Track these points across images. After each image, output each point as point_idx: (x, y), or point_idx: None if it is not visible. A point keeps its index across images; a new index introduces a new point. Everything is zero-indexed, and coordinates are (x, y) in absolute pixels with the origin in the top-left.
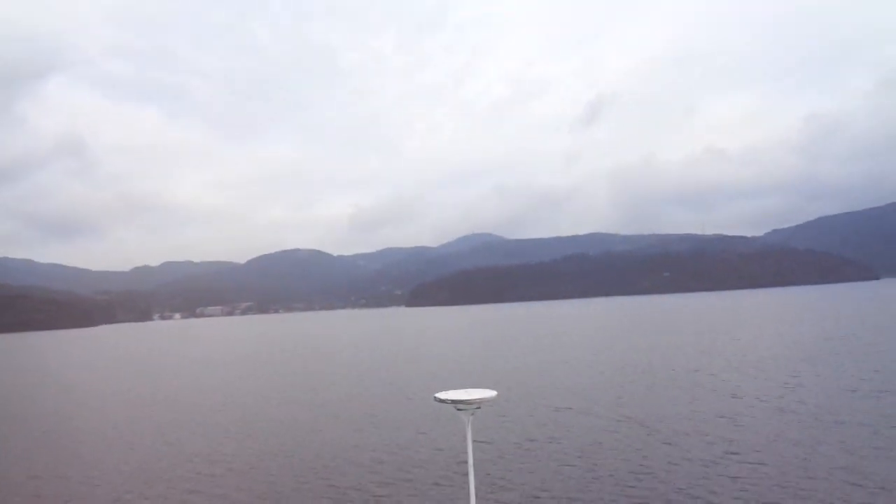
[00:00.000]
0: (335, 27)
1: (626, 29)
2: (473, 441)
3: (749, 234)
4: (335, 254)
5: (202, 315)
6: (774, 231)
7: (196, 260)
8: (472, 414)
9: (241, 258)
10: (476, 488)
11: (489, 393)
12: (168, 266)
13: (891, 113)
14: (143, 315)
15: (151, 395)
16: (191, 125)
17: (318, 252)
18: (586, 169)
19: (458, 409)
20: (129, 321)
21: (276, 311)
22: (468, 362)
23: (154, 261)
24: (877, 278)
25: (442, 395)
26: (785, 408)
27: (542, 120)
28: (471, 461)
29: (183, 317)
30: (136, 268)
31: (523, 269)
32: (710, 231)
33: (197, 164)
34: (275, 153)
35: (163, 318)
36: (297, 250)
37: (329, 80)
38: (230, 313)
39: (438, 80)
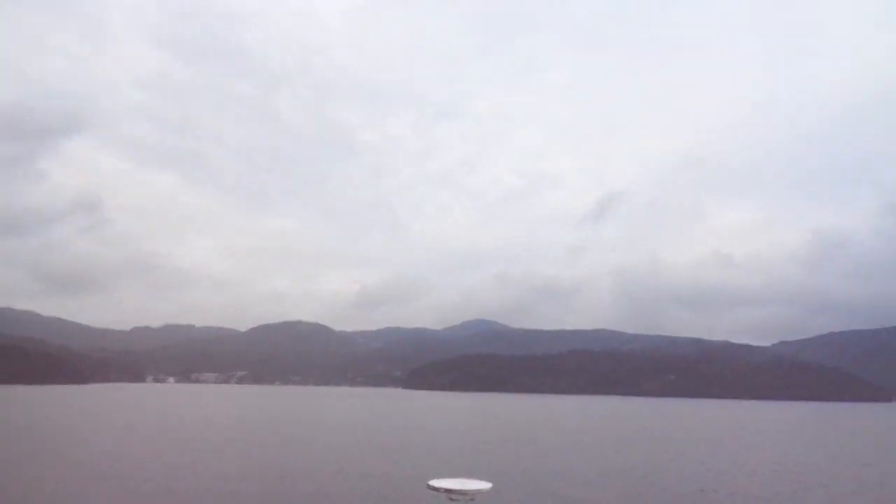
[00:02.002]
0: (356, 107)
1: (639, 129)
2: None
3: (754, 342)
4: (336, 328)
5: (196, 380)
6: (782, 342)
7: (197, 325)
8: None
9: (243, 326)
10: None
11: (484, 485)
12: (168, 328)
13: (893, 235)
14: (137, 376)
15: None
16: (205, 192)
17: (320, 325)
18: (592, 264)
19: (451, 500)
20: (123, 381)
21: (272, 383)
22: (464, 451)
23: (155, 322)
24: (889, 400)
25: (435, 482)
26: None
27: (549, 212)
28: None
29: (177, 381)
30: (137, 328)
31: (527, 360)
32: (716, 336)
33: (207, 230)
34: (284, 225)
35: (157, 380)
36: (298, 322)
37: (344, 158)
38: (225, 381)
39: (451, 165)
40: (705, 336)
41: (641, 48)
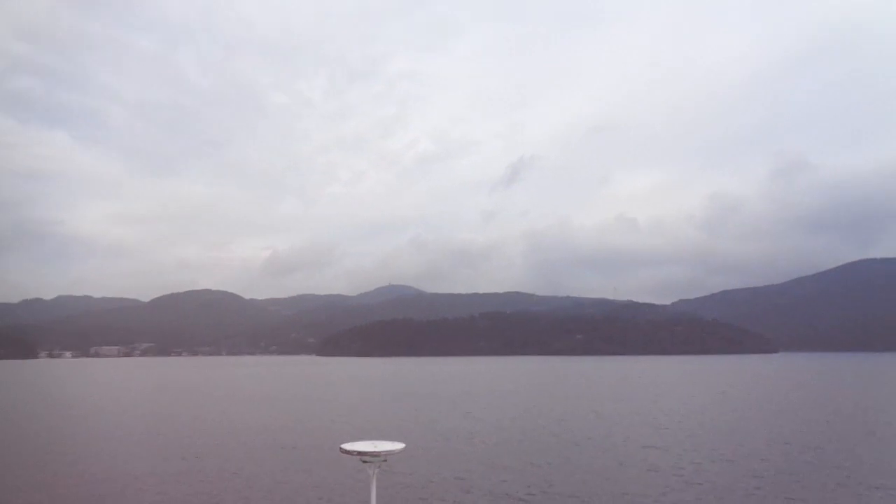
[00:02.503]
0: (265, 67)
1: (551, 96)
2: (378, 495)
3: (657, 301)
4: (246, 297)
5: (97, 355)
6: (682, 300)
7: (95, 295)
8: (378, 467)
9: (146, 296)
10: None
11: (396, 445)
12: (63, 300)
13: (785, 199)
14: (27, 352)
15: None
16: (101, 153)
17: (229, 294)
18: (504, 229)
19: (364, 462)
20: (11, 358)
21: (180, 354)
22: (378, 415)
23: (47, 294)
24: (776, 351)
25: (348, 446)
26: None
27: (463, 178)
28: None
29: (74, 356)
30: (26, 300)
31: (440, 324)
32: (621, 297)
33: (105, 195)
34: (190, 190)
35: (51, 356)
36: (205, 291)
37: (252, 120)
38: (128, 354)
39: (364, 129)
40: (611, 297)
41: (554, 16)
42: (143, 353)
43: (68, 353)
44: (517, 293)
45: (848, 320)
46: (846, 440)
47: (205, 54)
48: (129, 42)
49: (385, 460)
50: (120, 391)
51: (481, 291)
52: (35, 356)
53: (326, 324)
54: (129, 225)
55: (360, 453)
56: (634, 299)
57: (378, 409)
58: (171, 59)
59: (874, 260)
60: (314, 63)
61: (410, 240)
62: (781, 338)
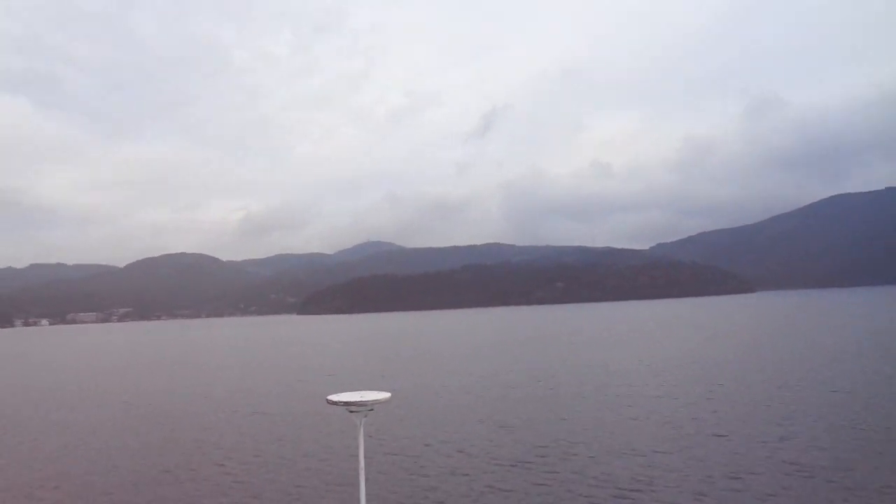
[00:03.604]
0: (225, 23)
1: (519, 42)
2: (366, 444)
3: (635, 246)
4: (224, 259)
5: (74, 321)
6: (659, 245)
7: (69, 262)
8: (365, 416)
9: (121, 262)
10: (367, 492)
11: (382, 395)
12: (36, 268)
13: (757, 138)
14: (3, 320)
15: None
16: (64, 118)
17: (205, 257)
18: (479, 180)
19: (351, 412)
20: None
21: (159, 318)
22: (362, 368)
23: (20, 263)
24: (753, 291)
25: (334, 397)
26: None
27: (435, 130)
28: (362, 464)
29: (51, 323)
30: None
31: (421, 278)
32: (599, 243)
33: (70, 161)
34: (156, 152)
35: (27, 324)
36: (182, 254)
37: (217, 79)
38: (106, 320)
39: (332, 85)
40: (589, 244)
41: None
42: (122, 319)
43: (45, 321)
44: (496, 244)
45: (823, 257)
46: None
47: (161, 12)
48: (80, 3)
49: (372, 409)
50: (97, 357)
51: (460, 244)
52: (11, 324)
53: (306, 283)
54: (96, 190)
55: (346, 403)
56: (612, 245)
57: (362, 363)
58: (127, 18)
59: (848, 195)
60: (277, 17)
61: (385, 195)
62: (758, 277)
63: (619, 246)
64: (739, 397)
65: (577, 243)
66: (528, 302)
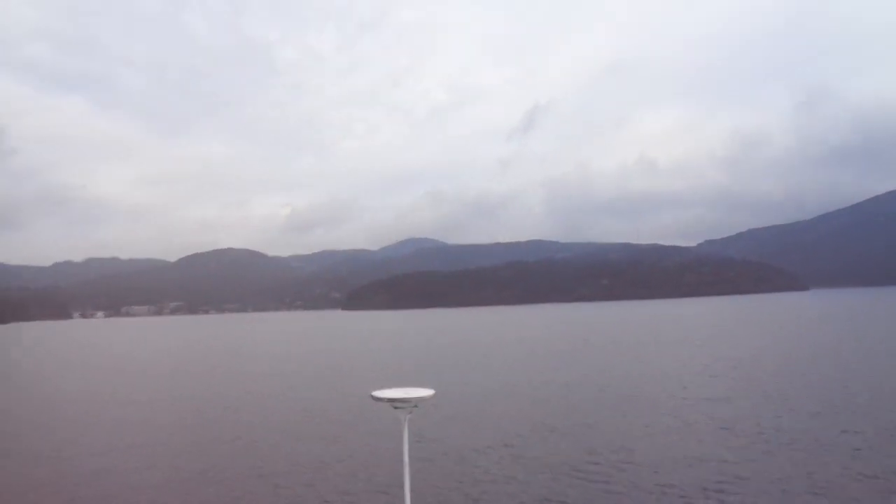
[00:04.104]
0: (273, 22)
1: (564, 38)
2: (410, 441)
3: (682, 243)
4: (269, 254)
5: (127, 314)
6: (708, 241)
7: (123, 257)
8: (410, 413)
9: (171, 256)
10: (411, 488)
11: (426, 392)
12: (92, 262)
13: (807, 132)
14: (61, 313)
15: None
16: (118, 117)
17: (252, 252)
18: (523, 176)
19: (395, 408)
20: (46, 319)
21: (207, 312)
22: (407, 365)
23: (77, 256)
24: (806, 289)
25: (378, 393)
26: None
27: (479, 127)
28: (406, 460)
29: (106, 315)
30: (58, 263)
31: (464, 275)
32: (644, 240)
33: (124, 158)
34: (206, 149)
35: (84, 316)
36: (229, 249)
37: (264, 77)
38: (158, 313)
39: (377, 81)
40: (634, 240)
41: None
42: (173, 312)
43: (100, 314)
44: (539, 241)
45: (877, 254)
46: None
47: (211, 12)
48: (137, 4)
49: (416, 406)
50: (155, 350)
51: (502, 241)
52: (69, 317)
53: (350, 278)
54: (148, 186)
55: (390, 400)
56: (658, 242)
57: (407, 359)
58: (179, 18)
59: None
60: (322, 16)
61: (428, 192)
62: (810, 274)
63: (665, 243)
64: (804, 402)
65: (622, 240)
66: (572, 299)
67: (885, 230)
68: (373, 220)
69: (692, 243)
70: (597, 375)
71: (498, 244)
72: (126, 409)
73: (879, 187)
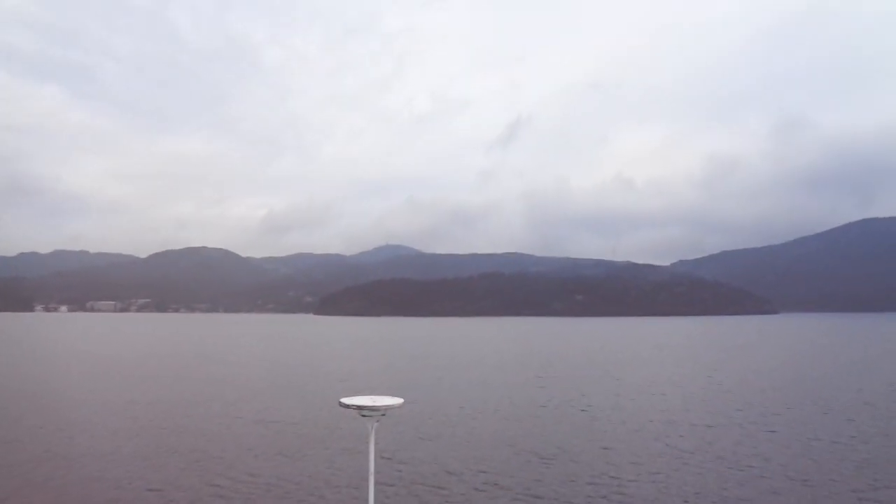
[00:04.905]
0: (260, 21)
1: (548, 53)
2: (376, 451)
3: (655, 262)
4: (243, 255)
5: (92, 309)
6: (681, 261)
7: (92, 251)
8: (378, 421)
9: (142, 252)
10: (375, 496)
11: (395, 400)
12: (59, 254)
13: (780, 158)
14: (24, 305)
15: None
16: (95, 109)
17: (225, 252)
18: (502, 188)
19: (363, 416)
20: (7, 311)
21: (177, 311)
22: (377, 372)
23: (44, 248)
24: (776, 312)
25: (347, 400)
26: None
27: (461, 136)
28: (372, 469)
29: (70, 310)
30: (23, 253)
31: (438, 284)
32: (620, 258)
33: (100, 151)
34: (187, 146)
35: (47, 309)
36: (202, 248)
37: (249, 76)
38: (124, 309)
39: (362, 86)
40: (609, 257)
41: None
42: (140, 309)
43: (64, 308)
44: (515, 254)
45: (847, 281)
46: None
47: (198, 9)
48: None
49: (384, 415)
50: (114, 347)
51: (479, 252)
52: (31, 309)
53: (324, 282)
54: (124, 181)
55: (358, 407)
56: (632, 260)
57: (377, 366)
58: (165, 14)
59: (875, 219)
60: (309, 18)
61: (407, 199)
62: (781, 298)
63: (639, 261)
64: (800, 429)
65: (597, 256)
66: (546, 313)
67: (854, 258)
68: (350, 225)
69: (666, 262)
70: (573, 394)
71: (474, 255)
72: (70, 413)
73: (850, 215)
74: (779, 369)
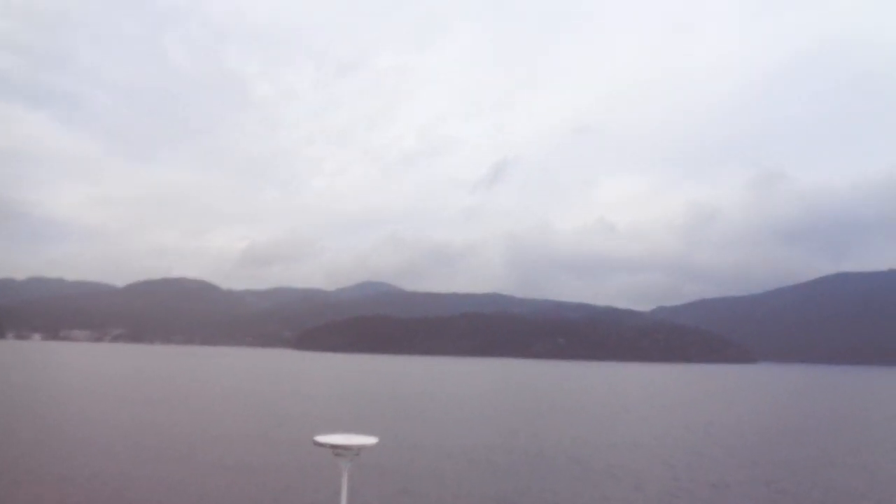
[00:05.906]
0: (251, 55)
1: (535, 97)
2: (349, 490)
3: (637, 307)
4: (223, 287)
5: (66, 338)
6: (660, 308)
7: (68, 278)
8: (351, 461)
9: (120, 281)
10: None
11: (370, 440)
12: (35, 282)
13: (758, 210)
14: None
15: None
16: (81, 135)
17: (205, 283)
18: (485, 229)
19: (337, 455)
20: None
21: (152, 342)
22: (353, 410)
23: (19, 274)
24: (755, 361)
25: (321, 438)
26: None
27: (446, 175)
28: None
29: (44, 338)
30: None
31: (419, 322)
32: (600, 302)
33: (83, 177)
34: (172, 176)
35: (19, 336)
36: (181, 279)
37: (238, 108)
38: (99, 339)
39: (350, 123)
40: (591, 301)
41: (542, 16)
42: (115, 339)
43: (37, 336)
44: (496, 294)
45: (823, 333)
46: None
47: (192, 40)
48: (115, 24)
49: (358, 454)
50: (84, 378)
51: (460, 291)
52: (3, 336)
53: (303, 317)
54: (106, 208)
55: (333, 446)
56: (613, 304)
57: (353, 404)
58: (158, 43)
59: (849, 274)
60: (302, 54)
61: (389, 236)
62: (758, 348)
63: (620, 306)
64: (795, 486)
65: (578, 300)
66: (527, 355)
67: (828, 311)
68: (332, 261)
69: (646, 308)
70: (557, 441)
71: (455, 294)
72: (21, 447)
73: (826, 268)
74: (761, 420)
